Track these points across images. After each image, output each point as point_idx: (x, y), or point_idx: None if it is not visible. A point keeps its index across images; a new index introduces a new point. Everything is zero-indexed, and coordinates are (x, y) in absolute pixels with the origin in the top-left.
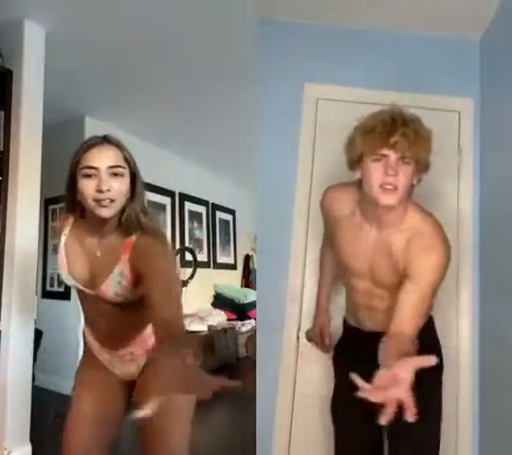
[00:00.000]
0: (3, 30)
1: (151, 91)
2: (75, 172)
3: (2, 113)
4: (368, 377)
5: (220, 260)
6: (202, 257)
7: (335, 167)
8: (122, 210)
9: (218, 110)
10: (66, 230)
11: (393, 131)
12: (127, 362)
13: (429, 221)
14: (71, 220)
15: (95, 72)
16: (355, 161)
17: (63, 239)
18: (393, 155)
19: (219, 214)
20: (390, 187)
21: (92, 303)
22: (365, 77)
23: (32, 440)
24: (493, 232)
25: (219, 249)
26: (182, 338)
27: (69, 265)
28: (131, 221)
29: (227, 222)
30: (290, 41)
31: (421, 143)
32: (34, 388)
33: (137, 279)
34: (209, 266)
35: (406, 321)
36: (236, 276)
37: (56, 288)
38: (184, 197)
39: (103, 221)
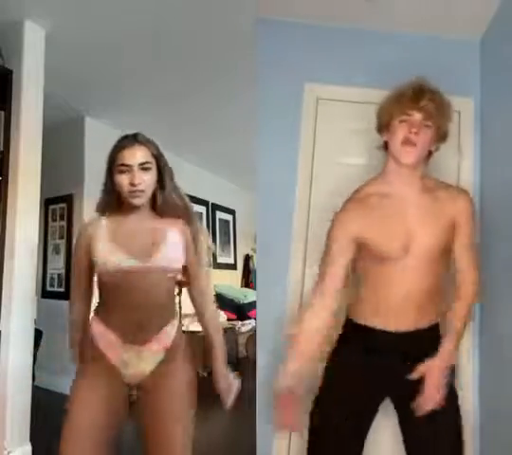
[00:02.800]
0: (3, 30)
1: (151, 91)
2: (112, 168)
3: (2, 113)
4: (395, 384)
5: (220, 260)
6: None
7: (335, 166)
8: (154, 197)
9: (218, 110)
10: (103, 220)
11: (422, 96)
12: (144, 359)
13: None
14: (107, 211)
15: (95, 72)
16: (383, 125)
17: (104, 225)
18: (417, 116)
19: (219, 214)
20: (411, 142)
21: (131, 290)
22: (365, 77)
23: (32, 440)
24: (494, 232)
25: (219, 249)
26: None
27: (120, 247)
28: (167, 205)
29: (227, 222)
30: (290, 41)
31: (444, 110)
32: (34, 388)
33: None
34: (209, 266)
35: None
36: (236, 276)
37: (56, 288)
38: None
39: (136, 207)
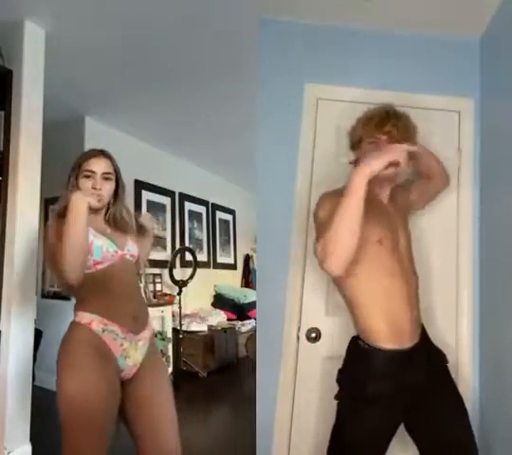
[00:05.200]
0: (3, 30)
1: (150, 91)
2: (77, 173)
3: (2, 113)
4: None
5: (220, 260)
6: (202, 257)
7: (335, 166)
8: (108, 208)
9: (218, 110)
10: None
11: (386, 122)
12: (139, 349)
13: None
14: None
15: (95, 72)
16: (355, 144)
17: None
18: (383, 139)
19: (219, 214)
20: None
21: (122, 274)
22: (365, 77)
23: (32, 440)
24: (493, 232)
25: (219, 249)
26: None
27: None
28: (115, 217)
29: (227, 222)
30: (290, 41)
31: (408, 133)
32: (34, 388)
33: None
34: (209, 266)
35: None
36: (236, 276)
37: (56, 288)
38: (184, 197)
39: (93, 211)
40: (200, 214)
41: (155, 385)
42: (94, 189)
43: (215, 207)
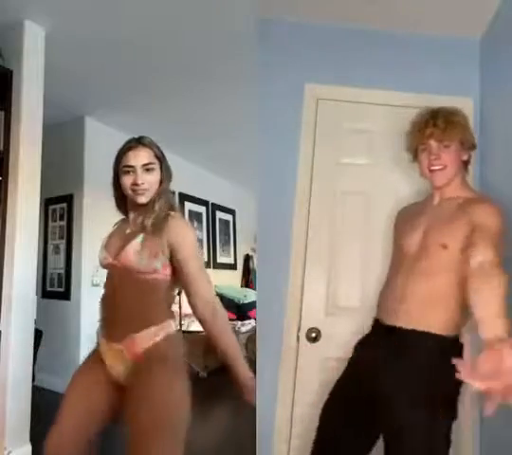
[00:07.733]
0: (3, 30)
1: (151, 91)
2: (118, 169)
3: (2, 113)
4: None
5: (220, 260)
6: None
7: (335, 166)
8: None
9: (218, 110)
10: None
11: (426, 125)
12: (118, 358)
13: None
14: (121, 211)
15: (95, 72)
16: (413, 156)
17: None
18: (432, 143)
19: (219, 214)
20: (434, 168)
21: (112, 281)
22: (365, 77)
23: (32, 440)
24: None
25: (219, 249)
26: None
27: (107, 242)
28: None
29: (227, 222)
30: (290, 41)
31: (453, 128)
32: (34, 388)
33: (158, 251)
34: (209, 266)
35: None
36: (236, 276)
37: (56, 288)
38: (184, 197)
39: (142, 205)
40: (200, 214)
41: (135, 417)
42: (135, 185)
43: (215, 207)
